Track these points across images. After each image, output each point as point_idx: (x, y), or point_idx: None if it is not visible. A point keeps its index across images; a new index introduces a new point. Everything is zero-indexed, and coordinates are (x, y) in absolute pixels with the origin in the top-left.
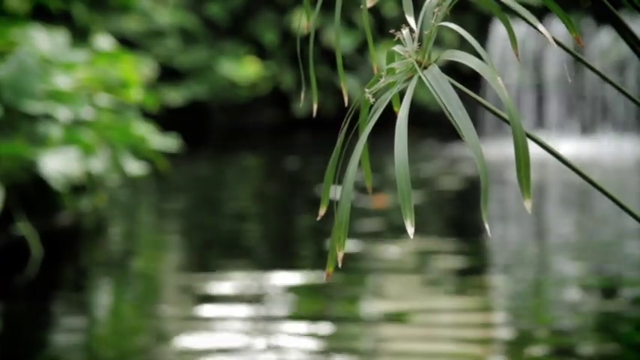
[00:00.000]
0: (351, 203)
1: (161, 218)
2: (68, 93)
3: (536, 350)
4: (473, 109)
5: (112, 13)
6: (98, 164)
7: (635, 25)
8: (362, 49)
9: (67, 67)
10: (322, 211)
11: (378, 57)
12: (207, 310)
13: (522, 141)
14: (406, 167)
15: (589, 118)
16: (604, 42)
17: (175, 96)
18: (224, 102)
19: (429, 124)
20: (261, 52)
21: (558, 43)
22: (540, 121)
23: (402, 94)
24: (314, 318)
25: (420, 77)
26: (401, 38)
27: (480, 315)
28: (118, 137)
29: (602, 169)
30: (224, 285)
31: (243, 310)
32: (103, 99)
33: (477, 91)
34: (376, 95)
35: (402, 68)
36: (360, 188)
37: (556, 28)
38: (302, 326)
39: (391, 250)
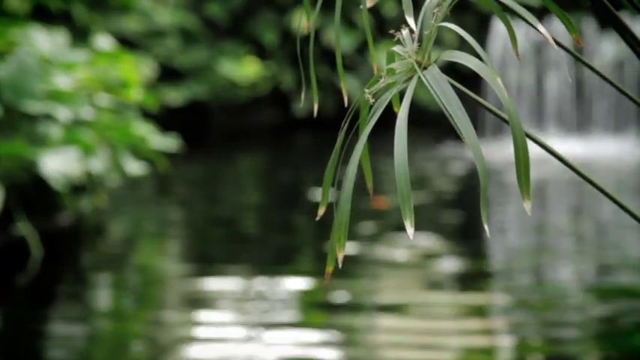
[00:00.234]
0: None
1: (161, 218)
2: (68, 93)
3: (536, 355)
4: (473, 109)
5: (112, 13)
6: (98, 164)
7: (635, 25)
8: (362, 49)
9: (67, 67)
10: (321, 212)
11: (378, 57)
12: (207, 310)
13: (522, 142)
14: (406, 168)
15: (589, 119)
16: (604, 42)
17: (175, 96)
18: (224, 102)
19: (427, 124)
20: (261, 52)
21: (558, 44)
22: (540, 121)
23: (401, 95)
24: (314, 319)
25: (419, 77)
26: (401, 38)
27: (479, 317)
28: (118, 137)
29: (602, 169)
30: (224, 286)
31: (243, 311)
32: (103, 99)
33: (476, 92)
34: (376, 95)
35: (402, 68)
36: (360, 189)
37: (557, 29)
38: (302, 327)
39: (391, 252)
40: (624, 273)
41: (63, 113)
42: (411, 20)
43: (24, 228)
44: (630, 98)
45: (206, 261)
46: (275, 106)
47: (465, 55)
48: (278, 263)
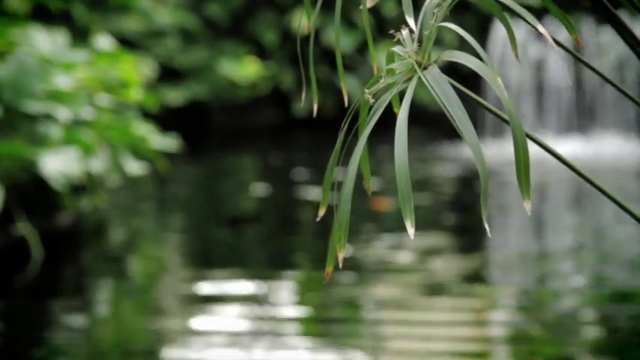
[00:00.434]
0: (351, 204)
1: (161, 218)
2: (68, 93)
3: (536, 357)
4: (473, 109)
5: (112, 13)
6: (98, 164)
7: (634, 25)
8: (362, 49)
9: (67, 67)
10: (322, 212)
11: (378, 57)
12: (207, 310)
13: (522, 142)
14: (406, 168)
15: (589, 119)
16: (604, 42)
17: (175, 96)
18: (224, 102)
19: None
20: (261, 52)
21: (558, 44)
22: (540, 121)
23: (401, 95)
24: (313, 322)
25: (419, 78)
26: (401, 39)
27: (479, 318)
28: (118, 137)
29: (603, 169)
30: (224, 286)
31: (243, 311)
32: (103, 99)
33: (476, 92)
34: (376, 96)
35: (402, 69)
36: (361, 190)
37: (557, 29)
38: (301, 330)
39: (392, 253)
40: (624, 273)
41: (63, 113)
42: (411, 20)
43: (24, 228)
44: (630, 98)
45: (206, 261)
46: (275, 106)
47: (465, 55)
48: (278, 263)
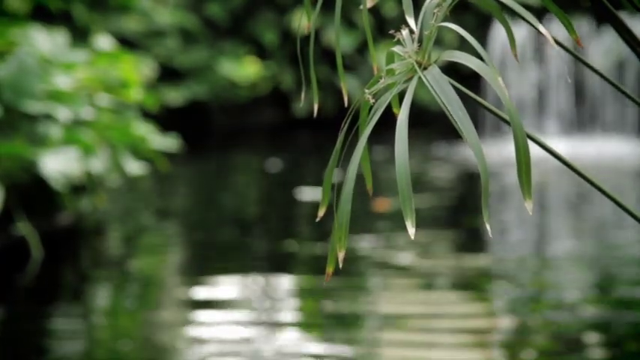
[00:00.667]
0: (351, 205)
1: (161, 218)
2: (68, 93)
3: (535, 358)
4: (473, 109)
5: (112, 13)
6: (98, 164)
7: (634, 25)
8: (362, 49)
9: (67, 67)
10: (322, 212)
11: (378, 57)
12: (206, 311)
13: (523, 142)
14: (407, 168)
15: (589, 119)
16: (604, 42)
17: (175, 96)
18: (224, 102)
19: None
20: (261, 52)
21: (559, 44)
22: (540, 121)
23: (401, 95)
24: (313, 323)
25: (420, 78)
26: (401, 39)
27: (480, 319)
28: (118, 137)
29: (603, 169)
30: (223, 287)
31: (242, 314)
32: (103, 99)
33: (476, 92)
34: (376, 96)
35: (402, 69)
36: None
37: (557, 29)
38: (301, 332)
39: (392, 254)
40: (624, 274)
41: (63, 113)
42: (411, 20)
43: (24, 228)
44: (630, 98)
45: (206, 261)
46: (275, 106)
47: (466, 55)
48: (278, 264)
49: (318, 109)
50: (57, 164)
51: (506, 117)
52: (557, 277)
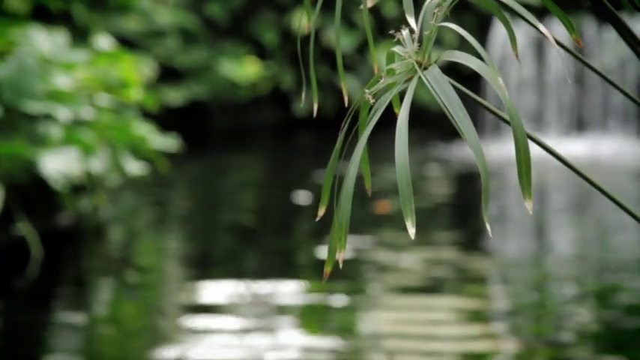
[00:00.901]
0: (351, 206)
1: (161, 218)
2: (68, 93)
3: (535, 359)
4: (473, 109)
5: (112, 13)
6: (98, 164)
7: (635, 25)
8: (362, 49)
9: (67, 67)
10: (321, 212)
11: (379, 57)
12: (206, 312)
13: (523, 141)
14: (407, 168)
15: (589, 119)
16: (604, 42)
17: (175, 96)
18: (224, 102)
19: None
20: (261, 52)
21: (559, 44)
22: (540, 121)
23: (402, 95)
24: (312, 321)
25: (420, 78)
26: (401, 39)
27: (479, 323)
28: (118, 137)
29: (603, 169)
30: (223, 287)
31: (243, 312)
32: (103, 99)
33: (476, 92)
34: (376, 96)
35: (402, 69)
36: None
37: (557, 29)
38: (301, 334)
39: (392, 256)
40: (624, 274)
41: (63, 113)
42: (411, 20)
43: (24, 228)
44: (630, 98)
45: (206, 262)
46: (275, 106)
47: (466, 55)
48: (278, 264)
49: (318, 109)
50: (57, 164)
51: (507, 117)
52: (557, 277)
